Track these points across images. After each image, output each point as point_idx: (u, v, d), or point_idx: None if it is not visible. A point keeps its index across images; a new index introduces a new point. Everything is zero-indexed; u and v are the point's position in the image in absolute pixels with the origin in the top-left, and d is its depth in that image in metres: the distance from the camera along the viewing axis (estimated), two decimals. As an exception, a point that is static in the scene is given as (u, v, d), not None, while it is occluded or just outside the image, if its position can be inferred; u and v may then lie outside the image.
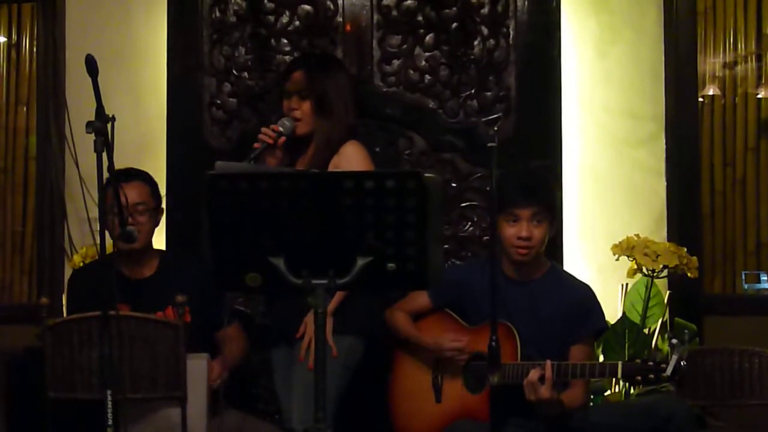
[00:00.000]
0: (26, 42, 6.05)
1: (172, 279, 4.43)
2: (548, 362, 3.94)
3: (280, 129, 4.17)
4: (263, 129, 4.18)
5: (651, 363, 3.90)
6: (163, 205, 4.69)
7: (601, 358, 4.94)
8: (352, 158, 4.17)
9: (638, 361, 3.94)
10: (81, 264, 5.18)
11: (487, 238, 5.11)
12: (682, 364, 3.82)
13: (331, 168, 4.11)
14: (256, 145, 4.14)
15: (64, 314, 4.75)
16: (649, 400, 4.26)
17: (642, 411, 4.06)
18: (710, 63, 5.75)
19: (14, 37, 6.08)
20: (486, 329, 4.02)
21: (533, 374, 3.93)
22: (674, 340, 3.95)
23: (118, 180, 3.75)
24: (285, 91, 4.30)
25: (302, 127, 4.24)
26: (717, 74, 5.75)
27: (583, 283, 4.35)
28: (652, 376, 3.90)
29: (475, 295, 4.27)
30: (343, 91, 4.30)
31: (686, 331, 4.15)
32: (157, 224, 4.55)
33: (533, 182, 4.31)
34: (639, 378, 3.92)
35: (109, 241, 3.70)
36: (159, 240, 4.93)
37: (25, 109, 6.04)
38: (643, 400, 4.36)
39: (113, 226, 4.07)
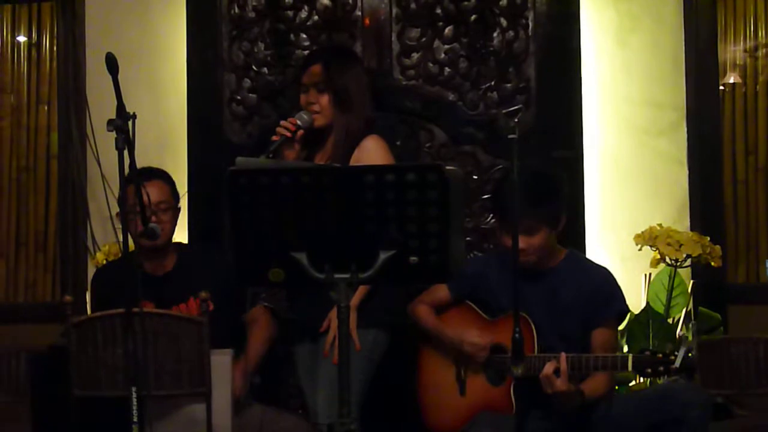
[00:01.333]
0: (46, 41, 6.07)
1: (191, 271, 4.45)
2: (563, 354, 3.92)
3: (298, 122, 4.16)
4: (281, 122, 4.18)
5: (660, 355, 3.89)
6: (181, 203, 4.70)
7: (626, 348, 4.93)
8: (372, 152, 4.16)
9: (648, 353, 3.93)
10: (104, 262, 5.20)
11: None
12: (690, 356, 3.81)
13: (352, 162, 4.10)
14: (274, 138, 4.13)
15: (88, 312, 4.77)
16: (667, 387, 4.24)
17: (659, 398, 4.04)
18: (731, 51, 5.72)
19: (35, 36, 6.10)
20: (505, 321, 4.03)
21: (548, 368, 3.91)
22: (680, 333, 3.94)
23: (139, 178, 3.75)
24: (302, 85, 4.29)
25: (320, 119, 4.22)
26: (738, 62, 5.72)
27: (601, 267, 4.32)
28: (661, 368, 3.88)
29: (492, 287, 4.26)
30: (361, 84, 4.29)
31: (693, 323, 4.14)
32: (176, 222, 4.57)
33: (530, 194, 4.04)
34: (650, 370, 3.91)
35: (130, 239, 3.71)
36: (181, 237, 4.94)
37: (46, 107, 6.05)
38: (660, 387, 4.35)
39: (135, 224, 4.08)
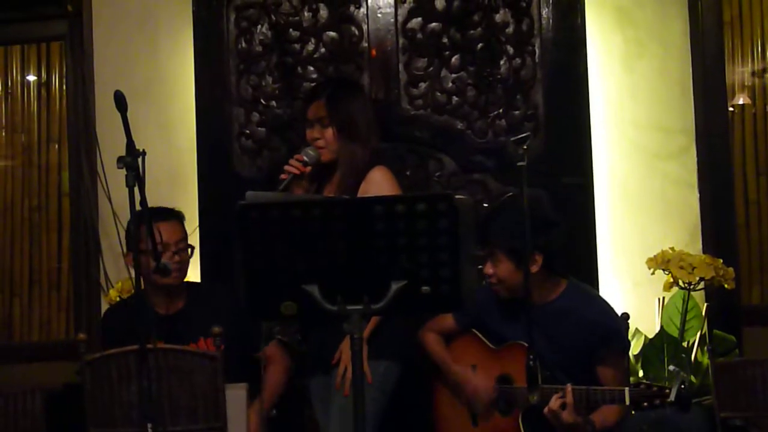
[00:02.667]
0: (56, 80, 6.11)
1: (202, 310, 4.46)
2: (569, 387, 3.91)
3: (305, 159, 4.16)
4: (290, 161, 4.18)
5: (655, 389, 3.86)
6: (191, 236, 4.71)
7: (641, 373, 4.91)
8: (379, 183, 4.16)
9: (643, 386, 3.89)
10: (117, 299, 5.20)
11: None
12: (683, 388, 3.79)
13: (359, 194, 4.11)
14: (283, 176, 4.14)
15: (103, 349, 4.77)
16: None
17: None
18: (739, 72, 5.73)
19: (44, 75, 6.14)
20: (509, 351, 4.04)
21: (554, 402, 3.89)
22: (672, 368, 3.93)
23: (152, 217, 3.75)
24: (307, 120, 4.29)
25: (327, 154, 4.22)
26: (746, 83, 5.73)
27: (600, 300, 4.28)
28: (657, 401, 3.86)
29: (495, 317, 4.26)
30: (365, 115, 4.30)
31: (709, 346, 4.11)
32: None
33: (490, 222, 4.19)
34: (646, 404, 3.88)
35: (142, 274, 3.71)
36: (193, 272, 4.94)
37: (57, 146, 6.09)
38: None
39: (148, 262, 4.09)
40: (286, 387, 4.60)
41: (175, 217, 4.52)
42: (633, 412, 4.07)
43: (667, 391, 3.81)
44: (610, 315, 4.19)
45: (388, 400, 4.15)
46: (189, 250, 4.52)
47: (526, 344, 3.95)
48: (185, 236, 4.53)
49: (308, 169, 4.17)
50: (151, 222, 3.72)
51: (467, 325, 4.38)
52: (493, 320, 4.27)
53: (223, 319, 4.22)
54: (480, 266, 4.21)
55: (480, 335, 4.35)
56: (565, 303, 4.18)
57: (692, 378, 4.84)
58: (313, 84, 5.30)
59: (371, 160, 4.22)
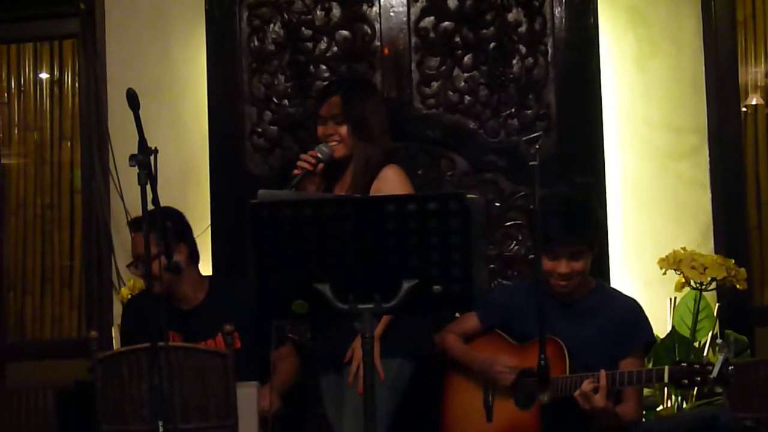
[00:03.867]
0: (68, 78, 6.12)
1: (221, 305, 4.46)
2: (603, 371, 3.92)
3: (319, 155, 4.16)
4: (302, 156, 4.19)
5: (697, 366, 3.86)
6: (203, 234, 4.68)
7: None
8: (392, 182, 4.16)
9: (684, 364, 3.90)
10: (129, 296, 5.20)
11: (532, 256, 5.09)
12: (729, 366, 3.78)
13: (372, 192, 4.11)
14: (296, 171, 4.14)
15: (114, 347, 4.78)
16: (698, 411, 4.23)
17: (688, 422, 4.03)
18: (752, 72, 5.71)
19: (56, 73, 6.15)
20: (534, 347, 4.01)
21: (586, 385, 3.91)
22: (719, 341, 3.91)
23: (157, 217, 3.68)
24: (320, 117, 4.29)
25: (340, 150, 4.21)
26: (759, 83, 5.70)
27: (628, 298, 4.32)
28: (698, 378, 3.86)
29: (521, 316, 4.26)
30: (379, 113, 4.30)
31: (732, 338, 4.11)
32: (177, 266, 4.40)
33: (574, 218, 4.17)
34: (686, 381, 3.88)
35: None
36: (205, 269, 4.95)
37: (69, 144, 6.09)
38: (690, 413, 4.33)
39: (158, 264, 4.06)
40: (295, 383, 4.59)
41: (139, 228, 4.36)
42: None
43: (710, 367, 3.80)
44: (638, 311, 4.24)
45: (400, 398, 4.15)
46: (161, 261, 4.30)
47: (554, 339, 3.98)
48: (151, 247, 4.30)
49: (321, 165, 4.17)
50: (158, 223, 3.71)
51: (491, 323, 4.38)
52: (520, 320, 4.27)
53: (240, 316, 4.22)
54: (492, 265, 4.22)
55: (503, 334, 4.35)
56: (596, 301, 4.23)
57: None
58: (325, 82, 5.30)
59: (384, 158, 4.22)
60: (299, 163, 4.16)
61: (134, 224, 4.52)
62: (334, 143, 4.21)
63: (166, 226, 4.47)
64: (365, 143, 4.22)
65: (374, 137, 4.23)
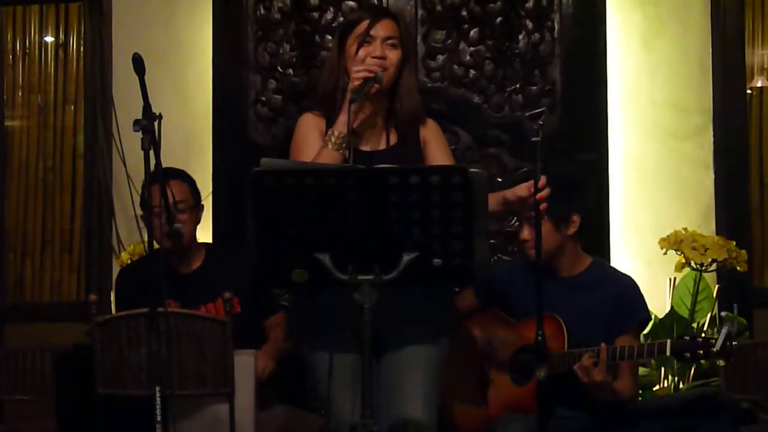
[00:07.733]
0: (73, 42, 6.10)
1: (219, 271, 4.47)
2: (603, 345, 3.92)
3: (377, 71, 3.56)
4: (356, 68, 3.57)
5: (700, 339, 3.86)
6: (205, 202, 4.69)
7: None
8: (440, 137, 3.83)
9: (687, 338, 3.90)
10: (129, 261, 5.21)
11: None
12: (731, 341, 3.77)
13: (421, 137, 3.77)
14: (356, 83, 3.52)
15: (113, 311, 4.78)
16: (696, 392, 4.23)
17: (687, 403, 4.03)
18: (758, 54, 5.70)
19: (62, 36, 6.13)
20: (531, 323, 4.01)
21: (586, 359, 3.92)
22: (723, 313, 3.91)
23: (160, 179, 3.72)
24: (368, 36, 3.64)
25: (386, 77, 3.61)
26: (766, 66, 5.69)
27: (625, 275, 4.32)
28: (701, 351, 3.85)
29: (519, 292, 4.26)
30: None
31: (729, 314, 4.10)
32: (198, 221, 4.57)
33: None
34: (688, 354, 3.87)
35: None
36: (205, 237, 4.95)
37: (72, 108, 6.08)
38: (689, 393, 4.33)
39: (160, 224, 4.08)
40: (286, 350, 4.58)
41: (176, 176, 4.48)
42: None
43: (712, 341, 3.80)
44: (634, 288, 4.23)
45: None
46: (190, 211, 4.48)
47: (553, 315, 3.98)
48: (188, 197, 4.49)
49: (377, 86, 3.59)
50: (164, 183, 3.72)
51: (489, 302, 4.38)
52: (518, 295, 4.27)
53: (239, 283, 4.22)
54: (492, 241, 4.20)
55: (500, 312, 4.35)
56: (592, 277, 4.22)
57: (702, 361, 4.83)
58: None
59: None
60: (357, 73, 3.56)
61: (171, 174, 4.47)
62: (385, 68, 3.61)
63: (195, 187, 4.53)
64: (413, 77, 3.78)
65: (416, 76, 3.85)
